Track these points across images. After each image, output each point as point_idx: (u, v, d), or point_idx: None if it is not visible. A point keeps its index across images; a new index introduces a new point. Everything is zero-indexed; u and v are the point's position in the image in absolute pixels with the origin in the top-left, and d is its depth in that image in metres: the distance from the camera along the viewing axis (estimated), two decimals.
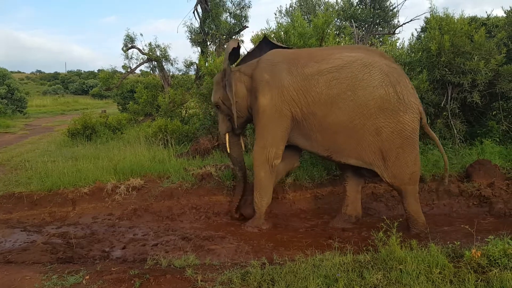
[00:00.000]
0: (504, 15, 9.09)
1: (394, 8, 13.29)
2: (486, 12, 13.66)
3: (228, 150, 6.25)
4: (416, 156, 5.39)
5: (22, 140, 13.60)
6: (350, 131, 5.24)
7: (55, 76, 50.90)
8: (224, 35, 13.06)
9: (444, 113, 8.32)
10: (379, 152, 5.29)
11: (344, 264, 3.68)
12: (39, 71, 62.95)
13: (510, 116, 8.63)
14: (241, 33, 13.80)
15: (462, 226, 4.40)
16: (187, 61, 13.68)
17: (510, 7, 8.80)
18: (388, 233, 3.87)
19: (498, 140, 8.00)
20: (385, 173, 5.39)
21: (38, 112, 24.81)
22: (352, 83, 5.07)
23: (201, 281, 3.62)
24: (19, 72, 60.90)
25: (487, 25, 9.08)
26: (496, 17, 9.97)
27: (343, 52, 5.30)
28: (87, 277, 3.79)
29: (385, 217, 4.40)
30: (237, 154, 6.31)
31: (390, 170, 5.35)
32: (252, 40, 8.74)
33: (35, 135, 14.90)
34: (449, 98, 7.98)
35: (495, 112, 8.73)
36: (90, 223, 6.39)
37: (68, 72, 56.13)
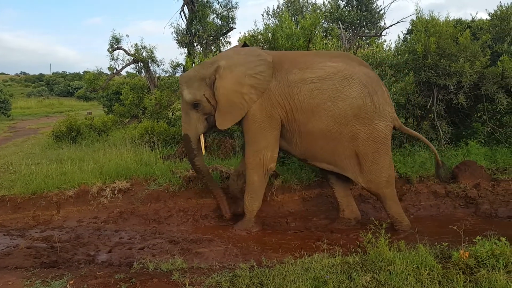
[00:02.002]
0: (488, 18, 9.22)
1: (381, 10, 13.39)
2: (471, 15, 13.88)
3: (203, 152, 6.05)
4: (390, 159, 5.57)
5: (5, 142, 13.36)
6: (327, 139, 5.39)
7: (40, 77, 50.13)
8: (211, 36, 12.99)
9: (430, 114, 8.39)
10: (354, 157, 5.45)
11: (333, 266, 3.67)
12: (24, 73, 61.93)
13: (494, 118, 8.75)
14: (228, 34, 13.77)
15: (449, 227, 4.42)
16: (173, 62, 13.55)
17: (494, 10, 8.92)
18: (377, 234, 3.87)
19: (483, 141, 8.09)
20: (360, 178, 5.53)
21: (22, 114, 24.43)
22: (333, 95, 5.22)
23: (188, 284, 3.57)
24: (3, 73, 59.96)
25: (471, 27, 9.20)
26: (481, 19, 10.10)
27: (325, 62, 5.38)
28: (72, 281, 3.71)
29: (373, 219, 4.40)
30: (202, 159, 6.16)
31: (366, 175, 5.48)
32: (240, 42, 8.70)
33: (19, 137, 14.66)
34: (435, 100, 8.05)
35: (480, 113, 8.85)
36: (75, 227, 6.28)
37: (53, 73, 55.31)
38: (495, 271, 3.30)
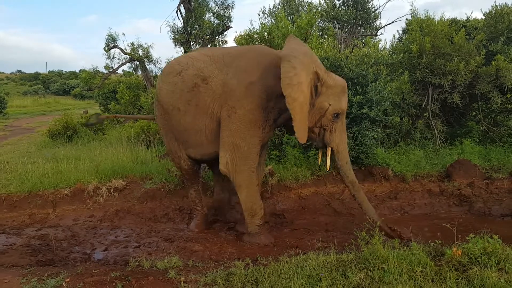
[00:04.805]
0: (483, 17, 9.27)
1: (376, 9, 13.42)
2: (466, 14, 13.94)
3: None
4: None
5: (1, 141, 13.31)
6: None
7: (36, 76, 50.02)
8: (207, 35, 12.97)
9: (425, 114, 8.44)
10: None
11: (327, 263, 3.69)
12: (19, 71, 61.81)
13: (489, 117, 8.81)
14: (224, 33, 13.76)
15: (443, 225, 4.46)
16: (170, 61, 13.54)
17: (488, 9, 8.98)
18: (371, 232, 3.90)
19: (477, 140, 8.15)
20: None
21: (18, 112, 24.33)
22: None
23: (184, 282, 3.59)
24: None
25: (466, 27, 9.25)
26: (476, 19, 10.15)
27: None
28: (68, 279, 3.72)
29: (368, 217, 4.43)
30: None
31: None
32: (236, 41, 8.71)
33: (15, 136, 14.61)
34: (430, 99, 8.10)
35: (474, 112, 8.91)
36: (71, 225, 6.28)
37: (49, 72, 55.20)
38: (487, 269, 3.34)
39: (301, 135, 4.80)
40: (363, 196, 5.32)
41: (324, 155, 5.48)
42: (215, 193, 6.43)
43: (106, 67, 13.73)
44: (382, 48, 8.72)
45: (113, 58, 13.51)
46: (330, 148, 5.17)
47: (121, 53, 13.42)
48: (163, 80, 5.50)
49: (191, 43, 13.12)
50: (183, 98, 5.24)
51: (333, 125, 5.07)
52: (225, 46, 13.63)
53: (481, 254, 3.51)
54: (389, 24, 11.95)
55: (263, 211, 5.46)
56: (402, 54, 8.18)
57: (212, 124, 5.22)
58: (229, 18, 13.54)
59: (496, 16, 8.70)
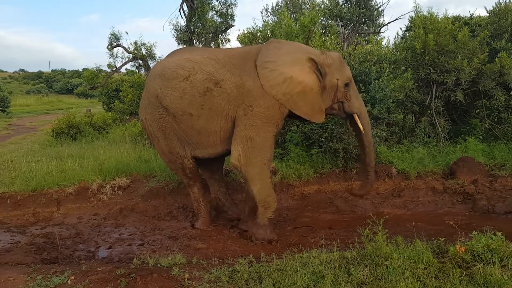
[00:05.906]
0: (487, 14, 9.24)
1: (379, 7, 13.40)
2: (469, 12, 13.85)
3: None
4: None
5: (5, 140, 13.38)
6: None
7: (39, 75, 50.12)
8: (210, 34, 12.97)
9: (429, 111, 8.43)
10: None
11: (331, 261, 3.70)
12: (23, 70, 61.95)
13: (492, 114, 8.79)
14: (227, 31, 13.77)
15: (446, 222, 4.46)
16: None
17: (492, 6, 8.95)
18: (374, 229, 3.90)
19: (481, 137, 8.13)
20: None
21: (22, 111, 24.43)
22: None
23: (188, 279, 3.60)
24: (1, 71, 59.92)
25: (470, 24, 9.22)
26: (479, 16, 10.12)
27: None
28: (72, 277, 3.75)
29: (371, 214, 4.43)
30: None
31: None
32: (238, 39, 8.73)
33: (18, 135, 14.68)
34: (434, 96, 8.08)
35: (478, 110, 8.89)
36: (75, 223, 6.31)
37: (52, 71, 55.33)
38: (491, 266, 3.34)
39: (315, 117, 5.27)
40: (373, 156, 5.80)
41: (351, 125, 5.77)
42: (212, 191, 6.43)
43: (109, 65, 13.75)
44: (385, 46, 8.74)
45: (116, 56, 13.52)
46: (355, 115, 5.47)
47: (124, 52, 13.43)
48: (167, 86, 5.42)
49: (194, 42, 13.12)
50: (195, 103, 5.24)
51: (347, 94, 5.38)
52: (227, 45, 13.67)
53: (484, 251, 3.51)
54: (392, 21, 11.96)
55: (276, 205, 5.49)
56: (405, 52, 8.17)
57: (227, 125, 5.29)
58: (232, 16, 13.53)
59: (499, 13, 8.68)
